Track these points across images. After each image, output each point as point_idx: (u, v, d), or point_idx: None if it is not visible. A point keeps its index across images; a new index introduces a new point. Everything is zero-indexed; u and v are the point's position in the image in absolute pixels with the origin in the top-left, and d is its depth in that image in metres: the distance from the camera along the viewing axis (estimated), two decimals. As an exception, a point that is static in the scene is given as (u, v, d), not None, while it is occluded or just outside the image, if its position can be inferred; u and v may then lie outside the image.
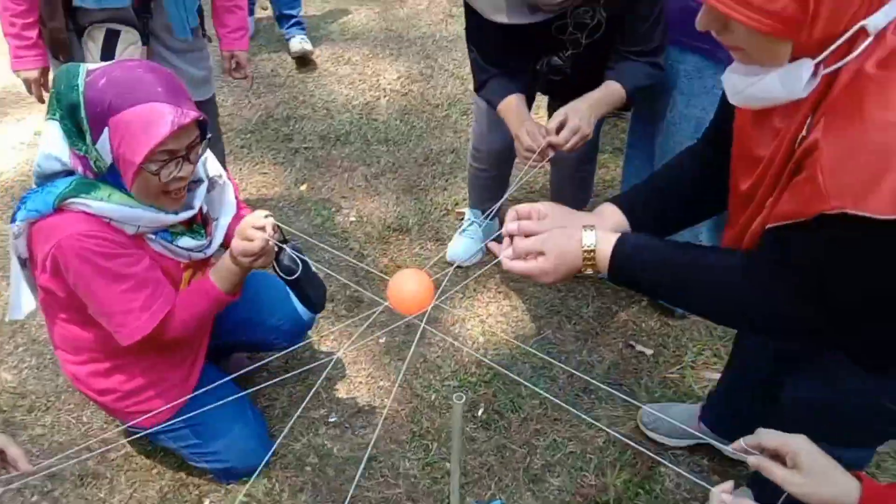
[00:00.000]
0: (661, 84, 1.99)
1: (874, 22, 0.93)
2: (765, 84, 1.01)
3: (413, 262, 2.68)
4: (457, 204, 2.94)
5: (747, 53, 1.03)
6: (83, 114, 1.40)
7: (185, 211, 1.60)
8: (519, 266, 1.26)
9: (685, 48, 1.98)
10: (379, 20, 4.32)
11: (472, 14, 1.92)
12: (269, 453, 2.01)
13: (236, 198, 1.82)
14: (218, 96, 2.87)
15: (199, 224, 1.69)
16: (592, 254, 1.23)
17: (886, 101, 0.91)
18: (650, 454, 1.53)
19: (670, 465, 1.86)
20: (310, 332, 2.37)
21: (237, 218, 1.79)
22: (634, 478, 1.97)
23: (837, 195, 0.93)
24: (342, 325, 2.44)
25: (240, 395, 1.79)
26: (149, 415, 1.78)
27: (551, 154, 1.84)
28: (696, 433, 1.90)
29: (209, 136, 1.52)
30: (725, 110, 1.20)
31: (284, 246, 1.58)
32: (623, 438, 1.54)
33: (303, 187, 3.12)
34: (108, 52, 1.98)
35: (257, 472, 1.99)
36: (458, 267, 2.64)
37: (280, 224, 1.58)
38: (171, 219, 1.58)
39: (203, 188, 1.66)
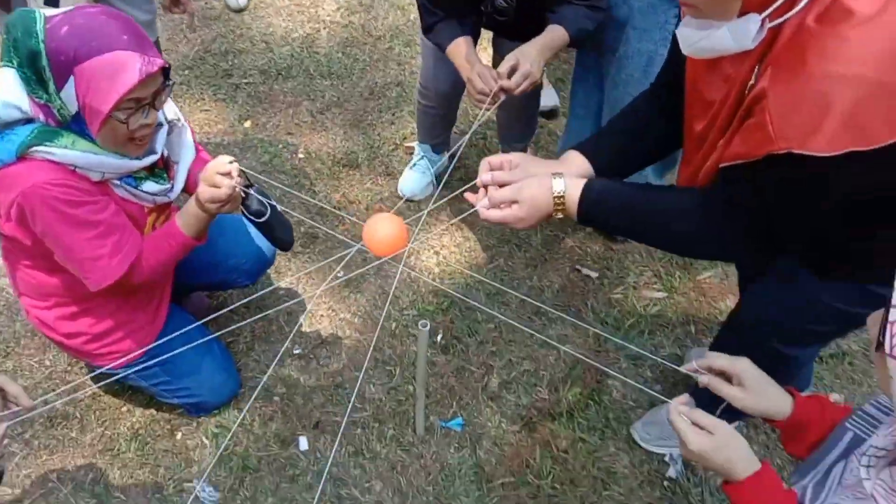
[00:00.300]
0: (614, 19, 2.06)
1: None
2: (716, 37, 1.11)
3: (365, 198, 2.73)
4: (405, 138, 2.98)
5: (700, 10, 1.12)
6: (45, 62, 1.38)
7: (148, 156, 1.61)
8: (496, 215, 1.36)
9: None
10: (313, -52, 4.20)
11: None
12: (238, 385, 2.10)
13: (194, 140, 1.83)
14: (155, 32, 2.79)
15: (161, 168, 1.70)
16: (562, 200, 1.33)
17: (825, 53, 1.01)
18: (598, 366, 1.68)
19: (618, 374, 2.03)
20: (269, 269, 2.42)
21: (198, 160, 1.80)
22: (584, 390, 2.13)
23: (784, 138, 1.04)
24: (308, 269, 2.49)
25: (209, 337, 1.84)
26: (119, 356, 1.83)
27: (503, 97, 1.90)
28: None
29: (172, 81, 1.52)
30: (677, 56, 1.29)
31: (250, 191, 1.61)
32: (575, 353, 1.68)
33: (247, 124, 3.09)
34: None
35: (228, 404, 2.07)
36: (410, 201, 2.71)
37: (244, 169, 1.60)
38: (135, 164, 1.58)
39: (164, 132, 1.67)
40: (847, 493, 1.01)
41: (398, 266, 2.38)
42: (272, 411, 2.08)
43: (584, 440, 2.03)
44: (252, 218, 1.64)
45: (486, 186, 1.41)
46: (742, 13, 1.08)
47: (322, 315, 2.35)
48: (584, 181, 1.35)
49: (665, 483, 1.96)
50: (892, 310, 0.84)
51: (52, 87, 1.41)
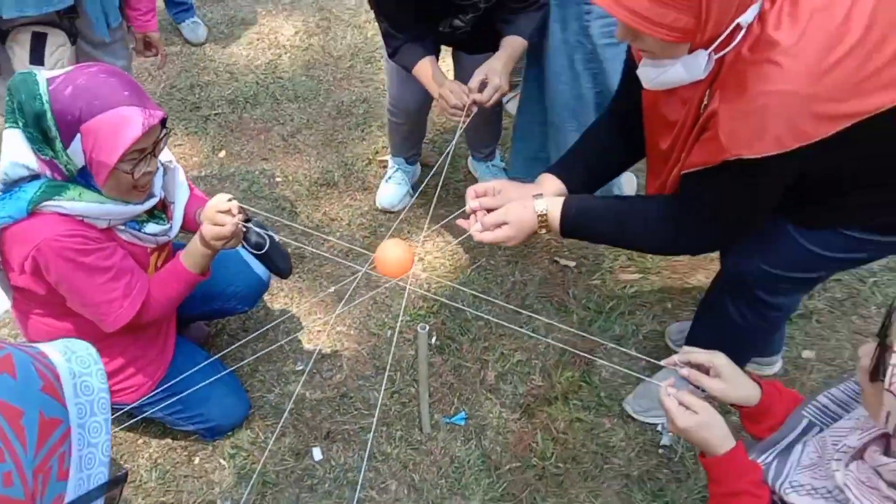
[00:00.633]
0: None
1: (745, 19, 1.24)
2: (673, 72, 1.33)
3: (346, 214, 2.83)
4: (377, 152, 3.09)
5: (655, 54, 1.33)
6: (51, 122, 1.47)
7: (149, 200, 1.71)
8: (489, 236, 1.56)
9: None
10: (264, -25, 4.29)
11: None
12: (248, 406, 2.19)
13: (185, 179, 1.93)
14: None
15: (160, 210, 1.79)
16: (545, 218, 1.54)
17: (763, 77, 1.23)
18: (584, 354, 1.81)
19: (603, 360, 2.16)
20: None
21: (192, 198, 1.90)
22: (575, 374, 2.26)
23: (735, 147, 1.28)
24: (303, 292, 2.59)
25: (213, 358, 1.94)
26: (133, 391, 1.92)
27: (475, 110, 2.06)
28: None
29: (169, 129, 1.62)
30: (629, 86, 1.49)
31: (250, 225, 1.72)
32: (561, 344, 1.80)
33: (221, 154, 3.17)
34: (36, 55, 2.00)
35: (240, 426, 2.17)
36: (389, 212, 2.82)
37: (242, 205, 1.71)
38: (138, 209, 1.68)
39: (160, 175, 1.76)
40: (806, 472, 1.18)
41: (387, 278, 2.50)
42: (283, 427, 2.17)
43: (581, 419, 2.16)
44: (253, 250, 1.74)
45: (475, 212, 1.60)
46: (691, 50, 1.28)
47: (319, 330, 2.45)
48: (562, 200, 1.55)
49: (660, 451, 2.10)
50: (893, 354, 0.98)
51: (58, 144, 1.50)
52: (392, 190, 2.82)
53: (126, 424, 2.16)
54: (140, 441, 2.17)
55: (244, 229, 1.70)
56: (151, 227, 1.75)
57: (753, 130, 1.26)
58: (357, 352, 2.37)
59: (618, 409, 2.18)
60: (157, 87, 3.52)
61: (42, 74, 1.50)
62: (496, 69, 2.06)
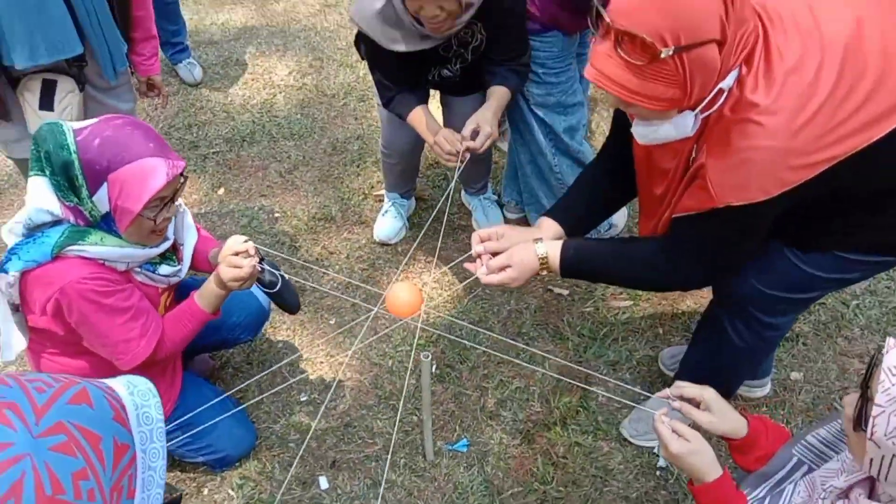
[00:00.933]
0: None
1: (726, 84, 1.36)
2: (663, 131, 1.46)
3: (344, 248, 2.91)
4: (372, 187, 3.18)
5: (646, 118, 1.46)
6: (78, 171, 1.56)
7: (163, 243, 1.79)
8: (494, 279, 1.70)
9: None
10: (258, 17, 4.41)
11: (369, 42, 2.21)
12: (255, 437, 2.24)
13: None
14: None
15: (171, 252, 1.87)
16: (546, 260, 1.68)
17: (746, 134, 1.36)
18: (579, 385, 1.89)
19: (597, 390, 2.24)
20: (265, 326, 2.58)
21: (200, 239, 1.98)
22: (573, 399, 2.33)
23: (723, 196, 1.42)
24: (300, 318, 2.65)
25: (225, 395, 2.01)
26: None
27: (468, 156, 2.20)
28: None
29: (186, 176, 1.70)
30: (617, 136, 1.63)
31: (265, 265, 1.80)
32: (555, 374, 1.87)
33: (220, 191, 3.25)
34: (46, 101, 2.08)
35: (247, 456, 2.21)
36: (385, 245, 2.90)
37: (256, 245, 1.79)
38: (154, 252, 1.76)
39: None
40: None
41: (383, 311, 2.57)
42: (290, 457, 2.22)
43: (580, 444, 2.23)
44: (266, 290, 1.82)
45: (480, 256, 1.74)
46: (680, 111, 1.41)
47: (321, 361, 2.51)
48: (560, 243, 1.69)
49: (657, 473, 2.16)
50: (875, 406, 1.07)
51: (84, 192, 1.58)
52: (389, 223, 2.90)
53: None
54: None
55: (260, 269, 1.78)
56: (164, 269, 1.83)
57: (739, 181, 1.40)
58: (359, 382, 2.43)
59: (615, 433, 2.25)
60: (156, 126, 3.59)
61: (68, 125, 1.58)
62: (487, 118, 2.21)
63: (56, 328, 1.72)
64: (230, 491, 2.15)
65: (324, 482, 2.16)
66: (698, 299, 2.64)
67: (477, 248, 1.75)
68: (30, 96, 2.09)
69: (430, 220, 2.76)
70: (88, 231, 1.64)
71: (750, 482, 1.42)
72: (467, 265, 1.80)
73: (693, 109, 1.40)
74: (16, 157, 2.34)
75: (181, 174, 1.67)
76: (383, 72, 2.32)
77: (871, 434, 1.07)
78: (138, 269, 1.78)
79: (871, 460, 1.10)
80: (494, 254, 1.73)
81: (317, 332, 2.60)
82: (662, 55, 1.28)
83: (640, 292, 2.68)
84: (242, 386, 2.33)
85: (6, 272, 1.63)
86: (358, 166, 3.32)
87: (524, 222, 2.95)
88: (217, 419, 2.10)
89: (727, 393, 2.09)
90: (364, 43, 2.31)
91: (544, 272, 1.71)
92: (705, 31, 1.29)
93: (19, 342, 1.82)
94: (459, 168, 2.19)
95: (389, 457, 2.17)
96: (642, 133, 1.51)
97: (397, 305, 1.78)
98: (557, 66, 2.38)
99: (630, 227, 2.92)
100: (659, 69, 1.31)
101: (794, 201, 1.45)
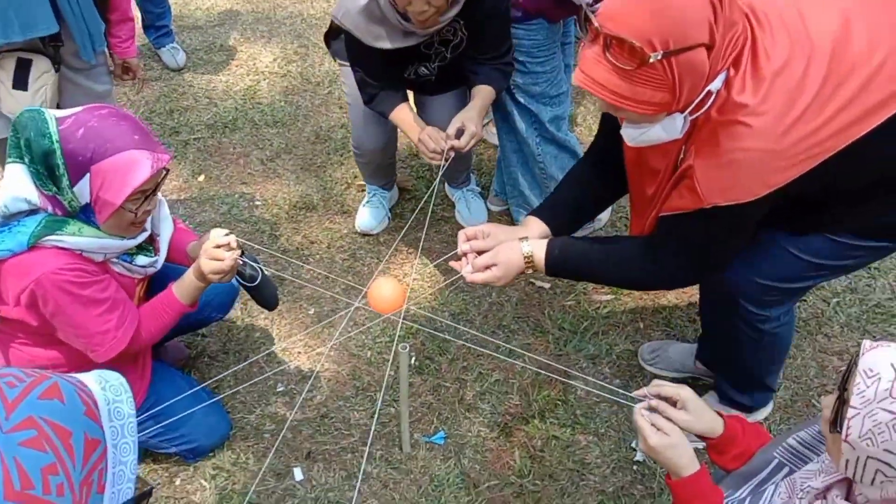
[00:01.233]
0: None
1: (714, 86, 1.36)
2: (653, 132, 1.45)
3: (325, 237, 2.88)
4: (356, 177, 3.14)
5: (635, 122, 1.45)
6: (59, 160, 1.52)
7: (141, 234, 1.76)
8: (480, 277, 1.70)
9: None
10: (243, 2, 4.36)
11: (352, 40, 2.21)
12: (230, 426, 2.21)
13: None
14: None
15: (148, 243, 1.84)
16: (531, 259, 1.69)
17: (735, 136, 1.36)
18: (558, 378, 1.88)
19: (578, 384, 2.22)
20: (242, 314, 2.55)
21: (177, 230, 1.95)
22: (552, 392, 2.32)
23: (711, 196, 1.43)
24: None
25: (201, 387, 1.99)
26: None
27: (452, 155, 2.20)
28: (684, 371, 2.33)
29: (167, 168, 1.67)
30: (606, 136, 1.63)
31: (245, 259, 1.77)
32: (535, 366, 1.86)
33: (200, 178, 3.20)
34: (20, 81, 2.04)
35: (221, 446, 2.18)
36: (368, 235, 2.87)
37: (238, 239, 1.77)
38: (132, 243, 1.74)
39: None
40: None
41: (362, 304, 2.54)
42: (264, 447, 2.19)
43: (557, 437, 2.21)
44: (246, 283, 1.79)
45: (466, 254, 1.74)
46: (669, 114, 1.40)
47: (299, 352, 2.48)
48: (545, 242, 1.69)
49: (634, 467, 2.15)
50: (850, 408, 1.07)
51: (65, 182, 1.55)
52: (370, 214, 2.87)
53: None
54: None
55: (241, 263, 1.75)
56: (141, 260, 1.80)
57: (727, 182, 1.41)
58: (337, 373, 2.41)
59: (593, 427, 2.24)
60: (137, 112, 3.54)
61: (50, 114, 1.55)
62: (472, 117, 2.21)
63: (30, 319, 1.69)
64: (203, 482, 2.12)
65: (298, 473, 2.13)
66: (680, 294, 2.63)
67: (463, 246, 1.76)
68: (3, 74, 2.04)
69: (415, 211, 2.74)
70: (66, 221, 1.61)
71: (731, 483, 1.42)
72: (453, 263, 1.80)
73: (682, 112, 1.40)
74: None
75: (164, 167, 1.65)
76: (366, 69, 2.31)
77: (846, 436, 1.07)
78: (115, 260, 1.75)
79: (847, 461, 1.10)
80: (480, 252, 1.73)
81: (295, 321, 2.57)
82: (651, 60, 1.28)
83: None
84: (218, 378, 2.30)
85: None
86: (341, 155, 3.28)
87: (508, 214, 2.94)
88: (189, 406, 2.08)
89: (751, 380, 2.07)
90: (347, 43, 2.30)
91: (530, 271, 1.71)
92: (694, 36, 1.28)
93: (-13, 333, 1.78)
94: (444, 167, 2.18)
95: (367, 449, 2.14)
96: (631, 135, 1.50)
97: (380, 301, 1.76)
98: (542, 55, 2.36)
99: (614, 221, 2.91)
100: (648, 73, 1.31)
101: (784, 197, 1.45)
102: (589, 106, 3.49)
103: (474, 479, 2.12)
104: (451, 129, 2.20)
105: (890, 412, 1.03)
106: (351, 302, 1.88)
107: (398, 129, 2.58)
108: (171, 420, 1.94)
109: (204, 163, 3.27)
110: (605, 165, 1.78)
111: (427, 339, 2.48)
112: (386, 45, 2.14)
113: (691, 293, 2.61)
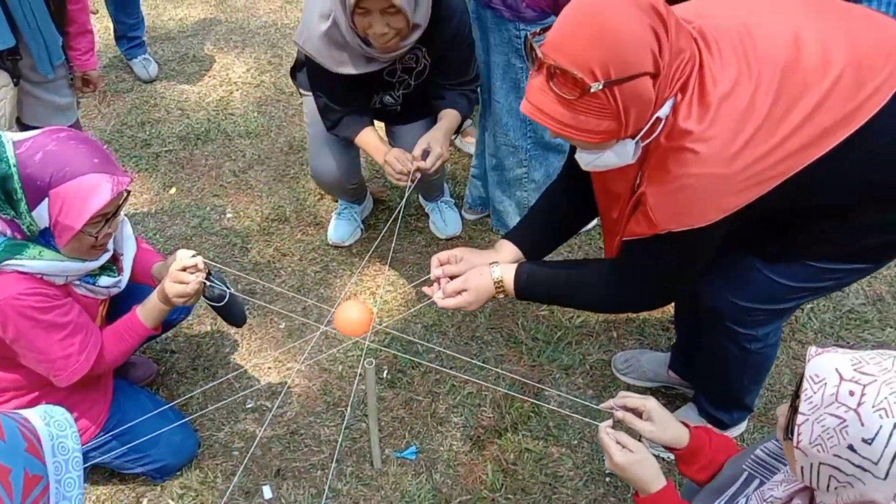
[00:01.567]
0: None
1: (663, 112, 1.36)
2: (605, 158, 1.44)
3: (297, 249, 2.85)
4: (328, 188, 3.12)
5: (586, 148, 1.44)
6: (17, 185, 1.50)
7: (104, 255, 1.73)
8: (451, 302, 1.72)
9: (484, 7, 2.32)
10: (216, 12, 4.32)
11: (313, 65, 2.19)
12: (197, 444, 2.17)
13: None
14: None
15: (111, 262, 1.81)
16: (501, 284, 1.71)
17: (683, 162, 1.35)
18: (533, 384, 1.86)
19: (549, 397, 2.20)
20: (211, 329, 2.51)
21: (140, 250, 1.93)
22: (525, 404, 2.30)
23: (664, 222, 1.42)
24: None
25: (166, 406, 1.96)
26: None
27: (419, 176, 2.19)
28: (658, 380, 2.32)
29: (129, 190, 1.64)
30: (575, 164, 1.60)
31: (213, 280, 1.74)
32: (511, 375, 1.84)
33: (172, 191, 3.17)
34: None
35: (189, 465, 2.14)
36: (339, 247, 2.84)
37: (205, 260, 1.75)
38: (94, 265, 1.71)
39: None
40: None
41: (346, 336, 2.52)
42: (233, 466, 2.16)
43: (530, 450, 2.19)
44: (213, 303, 1.77)
45: (438, 280, 1.75)
46: (620, 140, 1.40)
47: (269, 367, 2.45)
48: (515, 267, 1.70)
49: (607, 479, 2.13)
50: (799, 415, 1.07)
51: (23, 206, 1.52)
52: (342, 226, 2.85)
53: (70, 468, 2.12)
54: (85, 485, 2.12)
55: (207, 285, 1.73)
56: (104, 280, 1.78)
57: (679, 208, 1.40)
58: (308, 388, 2.37)
59: (566, 439, 2.22)
60: (108, 124, 3.50)
61: (7, 136, 1.52)
62: (438, 139, 2.21)
63: None
64: (170, 501, 2.08)
65: (268, 492, 2.10)
66: (654, 303, 2.62)
67: (435, 271, 1.77)
68: (-39, 89, 2.01)
69: (388, 223, 2.71)
70: (26, 245, 1.58)
71: (703, 498, 1.42)
72: (425, 289, 1.82)
73: (633, 138, 1.39)
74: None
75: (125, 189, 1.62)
76: (329, 95, 2.30)
77: (798, 442, 1.07)
78: (78, 282, 1.72)
79: (802, 468, 1.11)
80: (453, 277, 1.74)
81: (266, 336, 2.54)
82: (592, 89, 1.27)
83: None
84: (187, 397, 2.27)
85: None
86: (314, 166, 3.25)
87: (483, 223, 2.92)
88: (155, 426, 2.04)
89: (732, 398, 2.08)
90: (309, 68, 2.29)
91: (501, 295, 1.72)
92: (636, 65, 1.28)
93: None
94: (410, 188, 2.17)
95: (334, 465, 2.11)
96: (585, 160, 1.50)
97: (346, 325, 1.77)
98: None
99: (598, 225, 2.89)
100: (591, 103, 1.30)
101: (746, 219, 1.44)
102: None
103: (446, 494, 2.10)
104: (417, 151, 2.19)
105: (837, 417, 1.03)
106: (318, 326, 1.86)
107: (360, 157, 2.59)
108: (136, 442, 1.91)
109: (175, 175, 3.24)
110: (578, 187, 1.78)
111: (399, 352, 2.46)
112: (350, 70, 2.14)
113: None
